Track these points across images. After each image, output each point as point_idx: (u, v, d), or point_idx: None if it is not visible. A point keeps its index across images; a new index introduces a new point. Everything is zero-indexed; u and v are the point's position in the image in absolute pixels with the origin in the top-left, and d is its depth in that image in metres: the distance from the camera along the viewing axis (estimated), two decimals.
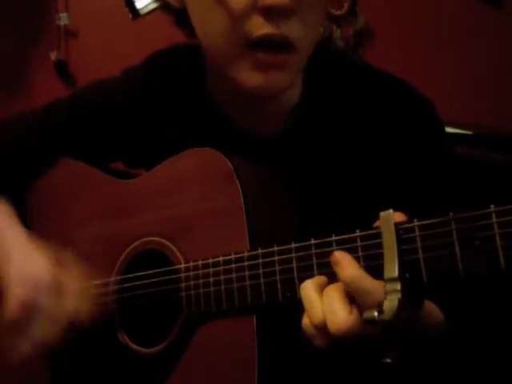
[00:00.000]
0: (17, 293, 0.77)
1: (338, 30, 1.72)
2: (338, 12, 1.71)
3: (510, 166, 1.33)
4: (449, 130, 1.38)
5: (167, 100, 0.92)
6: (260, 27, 0.72)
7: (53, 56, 2.17)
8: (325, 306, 0.62)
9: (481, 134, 1.43)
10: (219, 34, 0.75)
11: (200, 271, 0.77)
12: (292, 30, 0.73)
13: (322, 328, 0.62)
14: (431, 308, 0.77)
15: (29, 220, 0.99)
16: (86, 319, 0.79)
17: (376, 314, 0.57)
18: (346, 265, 0.62)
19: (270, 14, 0.71)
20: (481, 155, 1.37)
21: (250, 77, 0.75)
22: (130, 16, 2.07)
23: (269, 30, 0.72)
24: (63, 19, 2.15)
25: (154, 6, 2.03)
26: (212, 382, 0.75)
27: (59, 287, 0.79)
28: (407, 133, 0.84)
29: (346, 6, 1.70)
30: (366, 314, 0.57)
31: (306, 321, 0.65)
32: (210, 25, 0.76)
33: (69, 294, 0.79)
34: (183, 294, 0.78)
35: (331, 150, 0.85)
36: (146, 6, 2.04)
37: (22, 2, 2.24)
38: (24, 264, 0.80)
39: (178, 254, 0.80)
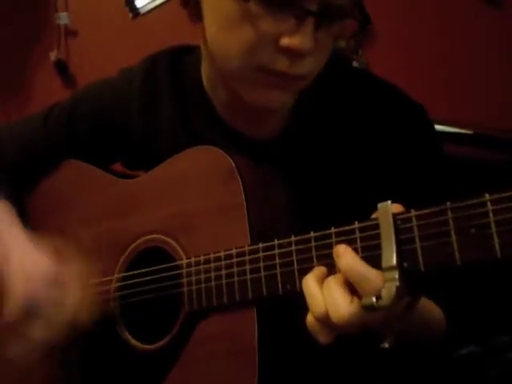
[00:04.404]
0: (16, 293, 0.77)
1: None
2: None
3: (510, 166, 1.34)
4: (448, 129, 1.39)
5: (165, 101, 0.92)
6: (277, 62, 0.73)
7: (52, 55, 2.17)
8: (326, 296, 0.63)
9: (481, 134, 1.43)
10: (235, 53, 0.75)
11: (201, 266, 0.77)
12: (305, 68, 0.74)
13: (325, 320, 0.63)
14: (431, 306, 0.77)
15: (32, 219, 0.99)
16: (87, 318, 0.79)
17: (374, 300, 0.58)
18: (344, 253, 0.63)
19: (289, 53, 0.72)
20: (481, 155, 1.38)
21: (255, 92, 0.77)
22: (130, 16, 2.07)
23: (285, 69, 0.73)
24: (63, 18, 2.15)
25: (154, 4, 2.03)
26: (213, 375, 0.75)
27: (60, 283, 0.79)
28: (399, 134, 0.86)
29: None
30: (365, 301, 0.58)
31: (309, 317, 0.65)
32: (228, 40, 0.75)
33: (70, 291, 0.79)
34: (185, 289, 0.78)
35: (328, 149, 0.86)
36: (145, 5, 2.04)
37: (21, 2, 2.24)
38: (22, 262, 0.79)
39: (180, 251, 0.81)
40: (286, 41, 0.71)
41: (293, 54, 0.72)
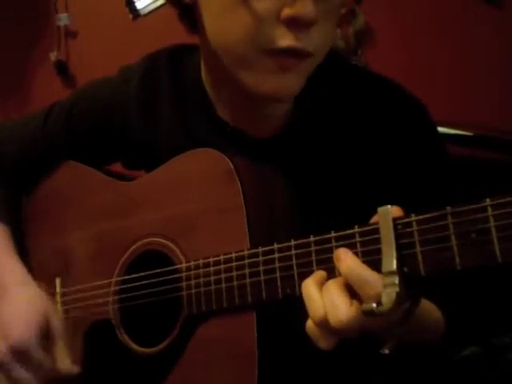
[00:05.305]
0: (7, 336, 0.78)
1: (338, 30, 1.72)
2: None
3: (510, 166, 1.33)
4: (448, 130, 1.38)
5: (164, 100, 0.92)
6: (282, 38, 0.71)
7: (53, 56, 2.16)
8: (325, 300, 0.63)
9: (481, 134, 1.43)
10: (238, 38, 0.73)
11: (201, 270, 0.77)
12: (311, 40, 0.72)
13: (324, 325, 0.62)
14: (431, 308, 0.77)
15: (31, 222, 0.99)
16: (71, 367, 0.82)
17: (374, 305, 0.57)
18: (345, 257, 0.63)
19: (293, 24, 0.71)
20: (481, 155, 1.38)
21: (265, 80, 0.75)
22: (130, 16, 2.07)
23: (291, 43, 0.71)
24: (63, 19, 2.15)
25: (155, 6, 2.03)
26: (213, 379, 0.75)
27: (49, 331, 0.81)
28: (401, 133, 0.85)
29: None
30: (365, 306, 0.58)
31: (309, 323, 0.65)
32: (229, 27, 0.74)
33: (57, 339, 0.81)
34: (184, 293, 0.78)
35: (328, 149, 0.86)
36: (146, 6, 2.04)
37: (22, 2, 2.24)
38: (17, 308, 0.81)
39: (179, 253, 0.81)
40: (287, 11, 0.70)
41: (296, 24, 0.70)
